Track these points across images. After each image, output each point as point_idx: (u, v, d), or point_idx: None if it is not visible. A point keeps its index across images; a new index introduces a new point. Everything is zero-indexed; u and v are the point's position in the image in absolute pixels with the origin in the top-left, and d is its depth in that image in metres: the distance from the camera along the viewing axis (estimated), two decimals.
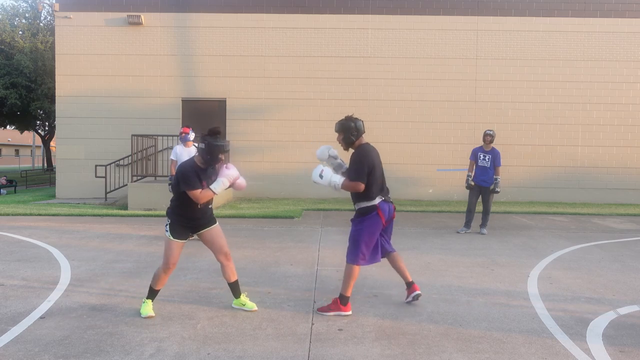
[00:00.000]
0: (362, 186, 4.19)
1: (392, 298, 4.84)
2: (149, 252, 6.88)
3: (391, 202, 4.45)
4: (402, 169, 14.10)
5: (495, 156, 8.57)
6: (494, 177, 8.56)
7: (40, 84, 22.20)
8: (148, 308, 4.22)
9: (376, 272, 5.85)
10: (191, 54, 14.12)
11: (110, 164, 13.37)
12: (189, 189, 4.02)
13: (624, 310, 4.55)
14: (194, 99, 14.19)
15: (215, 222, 4.35)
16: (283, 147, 14.11)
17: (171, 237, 4.18)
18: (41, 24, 24.55)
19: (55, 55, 14.30)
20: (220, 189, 4.06)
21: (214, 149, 4.01)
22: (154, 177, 12.60)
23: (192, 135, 7.98)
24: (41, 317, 4.18)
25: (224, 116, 14.16)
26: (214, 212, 4.57)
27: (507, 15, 14.04)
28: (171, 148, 13.13)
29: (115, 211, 10.95)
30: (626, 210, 12.35)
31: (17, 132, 35.89)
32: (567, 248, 7.49)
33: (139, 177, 12.11)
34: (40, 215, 10.42)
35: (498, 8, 14.04)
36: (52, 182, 19.62)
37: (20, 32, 23.75)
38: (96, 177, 13.39)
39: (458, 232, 8.82)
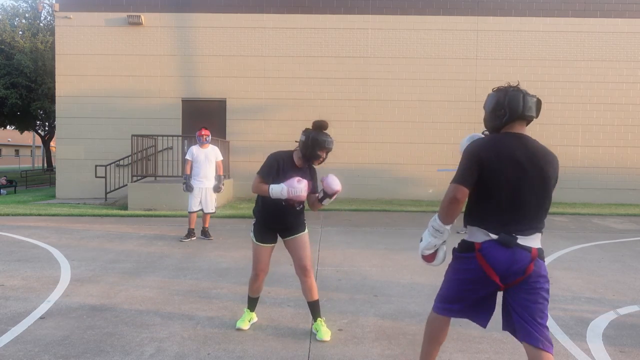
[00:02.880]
0: (460, 191, 2.51)
1: (392, 298, 4.84)
2: (149, 252, 6.88)
3: (525, 248, 2.48)
4: (402, 169, 14.11)
5: None
6: None
7: (40, 84, 22.21)
8: (242, 320, 3.99)
9: (376, 272, 5.86)
10: (191, 54, 14.12)
11: (110, 164, 13.37)
12: (259, 173, 3.66)
13: (624, 310, 4.54)
14: (194, 99, 14.19)
15: (303, 230, 3.85)
16: (283, 147, 14.05)
17: (254, 240, 3.86)
18: (41, 24, 24.56)
19: (55, 55, 14.30)
20: (275, 192, 3.53)
21: (314, 144, 3.59)
22: (154, 177, 12.60)
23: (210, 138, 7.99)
24: (41, 317, 4.18)
25: (224, 116, 14.17)
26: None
27: (507, 15, 14.04)
28: (171, 148, 13.21)
29: (115, 211, 10.95)
30: (626, 210, 12.35)
31: (17, 132, 35.85)
32: (567, 248, 7.49)
33: (139, 177, 12.10)
34: (40, 215, 10.41)
35: (498, 8, 14.05)
36: (52, 182, 19.60)
37: (21, 32, 23.76)
38: (96, 177, 13.39)
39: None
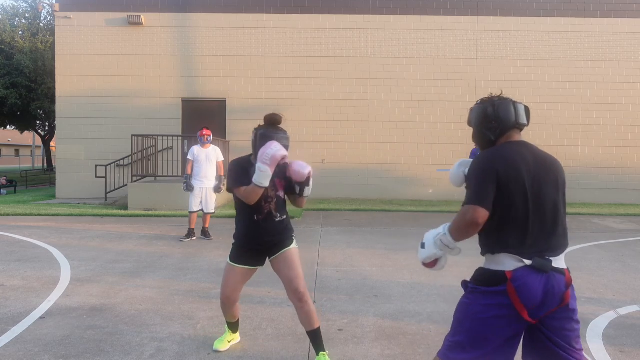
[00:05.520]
0: (481, 214, 2.14)
1: (392, 298, 4.84)
2: (149, 252, 6.88)
3: (560, 271, 2.16)
4: (402, 169, 14.10)
5: None
6: None
7: (40, 84, 22.21)
8: (221, 340, 3.58)
9: (376, 272, 5.85)
10: (191, 54, 14.12)
11: (110, 164, 13.37)
12: (231, 186, 3.15)
13: (624, 310, 4.54)
14: (194, 99, 14.19)
15: (289, 245, 3.30)
16: None
17: (228, 259, 3.37)
18: (41, 24, 24.56)
19: (55, 55, 14.31)
20: (261, 178, 3.00)
21: (264, 141, 3.08)
22: (154, 177, 12.60)
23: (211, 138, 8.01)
24: (41, 317, 4.18)
25: (224, 116, 14.16)
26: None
27: (507, 15, 14.04)
28: (171, 148, 13.21)
29: (115, 211, 10.95)
30: (626, 210, 12.35)
31: (17, 132, 35.89)
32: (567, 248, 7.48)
33: (139, 177, 12.10)
34: (40, 215, 10.41)
35: (498, 8, 14.05)
36: (52, 182, 19.60)
37: (21, 32, 23.76)
38: (96, 177, 13.39)
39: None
